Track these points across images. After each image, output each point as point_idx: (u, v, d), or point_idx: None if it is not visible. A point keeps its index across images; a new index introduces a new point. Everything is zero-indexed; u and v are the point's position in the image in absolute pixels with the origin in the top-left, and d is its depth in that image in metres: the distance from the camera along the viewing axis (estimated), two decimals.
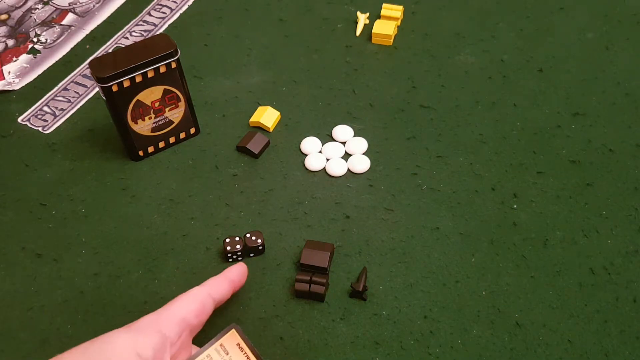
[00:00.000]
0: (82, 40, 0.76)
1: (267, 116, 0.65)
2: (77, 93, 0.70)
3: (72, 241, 0.57)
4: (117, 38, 0.76)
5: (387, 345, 0.49)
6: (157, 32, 0.76)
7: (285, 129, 0.65)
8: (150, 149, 0.63)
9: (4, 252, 0.57)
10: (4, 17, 0.80)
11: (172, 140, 0.64)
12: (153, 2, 0.80)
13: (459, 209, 0.57)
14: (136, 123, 0.60)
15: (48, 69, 0.73)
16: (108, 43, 0.76)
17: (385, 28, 0.72)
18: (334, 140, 0.64)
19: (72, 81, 0.72)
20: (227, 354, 0.44)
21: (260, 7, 0.79)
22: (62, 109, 0.69)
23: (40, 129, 0.67)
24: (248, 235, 0.54)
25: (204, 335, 0.47)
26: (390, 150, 0.62)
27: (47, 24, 0.79)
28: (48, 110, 0.69)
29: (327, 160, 0.62)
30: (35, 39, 0.77)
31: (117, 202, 0.60)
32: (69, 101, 0.69)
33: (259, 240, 0.54)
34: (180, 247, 0.56)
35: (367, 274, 0.53)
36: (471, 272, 0.53)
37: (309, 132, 0.64)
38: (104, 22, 0.78)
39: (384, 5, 0.74)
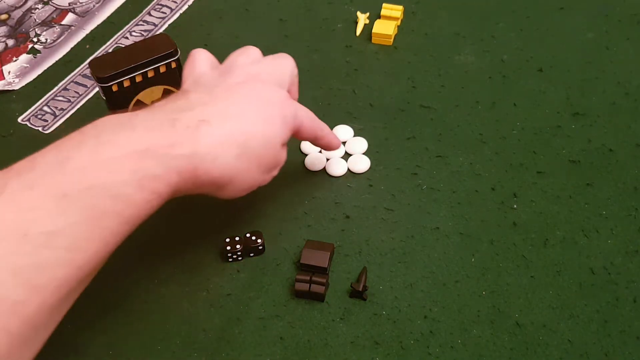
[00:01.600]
0: (82, 40, 0.76)
1: None
2: (77, 93, 0.70)
3: None
4: (117, 38, 0.76)
5: (387, 345, 0.49)
6: (157, 32, 0.76)
7: None
8: None
9: None
10: (4, 17, 0.80)
11: None
12: (153, 2, 0.80)
13: (459, 209, 0.57)
14: None
15: (48, 69, 0.73)
16: (108, 43, 0.76)
17: (385, 28, 0.72)
18: None
19: (72, 81, 0.72)
20: None
21: (260, 7, 0.79)
22: (62, 109, 0.69)
23: (40, 129, 0.67)
24: (248, 235, 0.54)
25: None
26: (390, 150, 0.62)
27: (47, 24, 0.79)
28: (48, 110, 0.69)
29: (327, 160, 0.62)
30: (35, 39, 0.77)
31: None
32: (69, 101, 0.69)
33: (259, 240, 0.54)
34: (180, 247, 0.56)
35: (367, 273, 0.53)
36: (471, 272, 0.53)
37: None
38: (104, 22, 0.78)
39: (384, 5, 0.74)
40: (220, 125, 0.44)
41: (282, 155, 0.49)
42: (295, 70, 0.53)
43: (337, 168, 0.61)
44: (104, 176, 0.39)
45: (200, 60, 0.51)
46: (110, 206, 0.39)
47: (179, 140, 0.42)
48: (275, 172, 0.50)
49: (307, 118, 0.51)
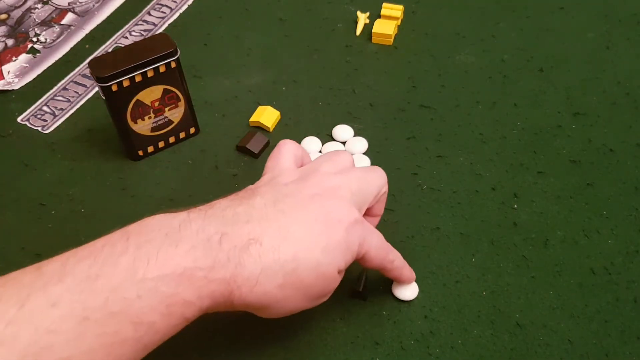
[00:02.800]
0: (81, 40, 0.76)
1: (267, 116, 0.65)
2: (77, 93, 0.70)
3: (72, 241, 0.57)
4: (116, 38, 0.76)
5: (387, 345, 0.49)
6: (157, 32, 0.76)
7: (285, 129, 0.65)
8: (150, 149, 0.63)
9: (4, 252, 0.57)
10: (3, 16, 0.80)
11: (171, 140, 0.64)
12: (153, 2, 0.80)
13: (459, 209, 0.57)
14: (136, 123, 0.60)
15: (48, 68, 0.73)
16: (108, 43, 0.76)
17: (385, 28, 0.72)
18: (334, 140, 0.64)
19: (71, 81, 0.72)
20: None
21: (260, 7, 0.79)
22: (61, 109, 0.69)
23: (39, 128, 0.67)
24: None
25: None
26: (390, 150, 0.62)
27: (46, 23, 0.79)
28: (47, 110, 0.69)
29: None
30: (34, 39, 0.77)
31: (117, 202, 0.60)
32: (69, 101, 0.69)
33: None
34: None
35: (367, 274, 0.53)
36: (471, 272, 0.53)
37: (309, 132, 0.64)
38: (104, 21, 0.78)
39: (384, 4, 0.74)
40: (272, 248, 0.40)
41: (336, 284, 0.44)
42: (385, 187, 0.49)
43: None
44: (131, 301, 0.36)
45: (286, 154, 0.48)
46: (131, 333, 0.36)
47: (222, 261, 0.39)
48: (324, 299, 0.44)
49: (375, 248, 0.45)
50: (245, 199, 0.43)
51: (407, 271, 0.50)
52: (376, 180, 0.48)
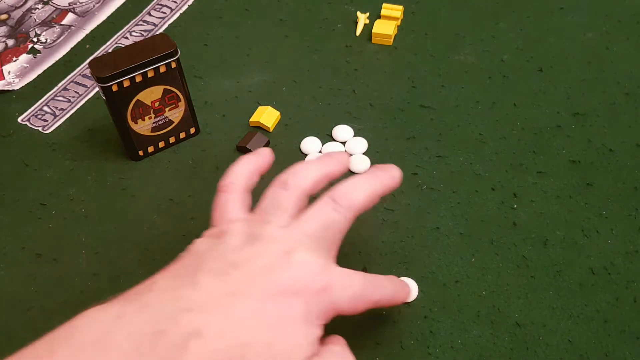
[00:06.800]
0: (82, 40, 0.76)
1: (267, 116, 0.65)
2: (77, 93, 0.70)
3: (72, 241, 0.57)
4: (117, 38, 0.76)
5: (387, 345, 0.49)
6: (157, 32, 0.76)
7: (285, 129, 0.65)
8: (150, 149, 0.63)
9: (4, 252, 0.57)
10: (3, 17, 0.80)
11: (172, 140, 0.64)
12: (153, 2, 0.80)
13: (459, 209, 0.57)
14: (136, 123, 0.60)
15: (48, 68, 0.73)
16: (108, 43, 0.76)
17: (385, 28, 0.72)
18: (334, 140, 0.64)
19: (72, 81, 0.72)
20: None
21: (260, 7, 0.79)
22: (62, 109, 0.69)
23: (40, 129, 0.67)
24: None
25: None
26: (390, 150, 0.62)
27: (47, 23, 0.79)
28: (48, 110, 0.69)
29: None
30: (35, 39, 0.77)
31: (117, 202, 0.60)
32: (69, 101, 0.69)
33: None
34: (180, 247, 0.56)
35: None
36: (471, 272, 0.53)
37: (309, 132, 0.64)
38: (104, 22, 0.78)
39: (384, 5, 0.74)
40: (215, 335, 0.35)
41: (303, 356, 0.37)
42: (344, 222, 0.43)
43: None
44: None
45: (232, 202, 0.44)
46: None
47: None
48: None
49: (349, 304, 0.40)
50: (189, 276, 0.38)
51: (401, 296, 0.45)
52: (333, 221, 0.42)
